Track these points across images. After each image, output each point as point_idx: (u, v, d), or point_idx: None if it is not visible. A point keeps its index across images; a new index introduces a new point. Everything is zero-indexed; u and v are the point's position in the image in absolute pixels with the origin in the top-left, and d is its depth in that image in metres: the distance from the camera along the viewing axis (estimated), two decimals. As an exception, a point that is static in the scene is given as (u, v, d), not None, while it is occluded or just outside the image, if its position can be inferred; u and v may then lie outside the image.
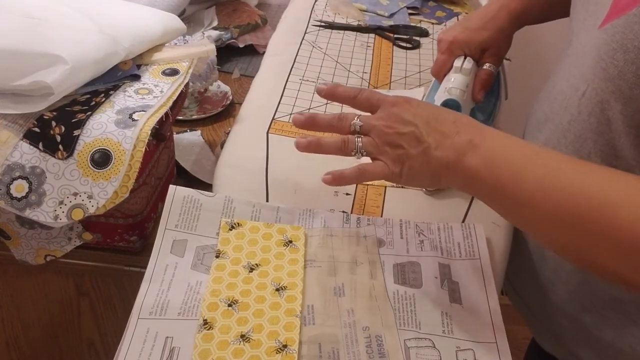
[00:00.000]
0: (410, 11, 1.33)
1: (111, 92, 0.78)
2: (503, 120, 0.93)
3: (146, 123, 0.72)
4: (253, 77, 1.06)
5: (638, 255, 0.47)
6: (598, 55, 0.58)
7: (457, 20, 1.32)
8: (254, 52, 1.32)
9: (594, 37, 0.60)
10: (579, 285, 0.72)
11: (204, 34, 1.27)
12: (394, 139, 0.62)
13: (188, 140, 1.02)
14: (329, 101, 0.97)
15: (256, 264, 0.66)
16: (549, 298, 0.77)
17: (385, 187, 0.80)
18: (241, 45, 1.31)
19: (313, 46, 1.13)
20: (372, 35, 1.19)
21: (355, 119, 0.65)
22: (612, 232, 0.48)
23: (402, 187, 0.80)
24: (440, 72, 0.87)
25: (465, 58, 0.85)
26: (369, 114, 0.67)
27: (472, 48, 0.84)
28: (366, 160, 0.66)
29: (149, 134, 0.72)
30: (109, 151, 0.71)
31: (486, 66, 0.85)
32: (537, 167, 0.54)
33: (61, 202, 0.71)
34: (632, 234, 0.47)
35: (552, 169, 0.53)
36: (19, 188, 0.71)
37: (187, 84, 0.83)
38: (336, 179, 0.66)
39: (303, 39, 1.16)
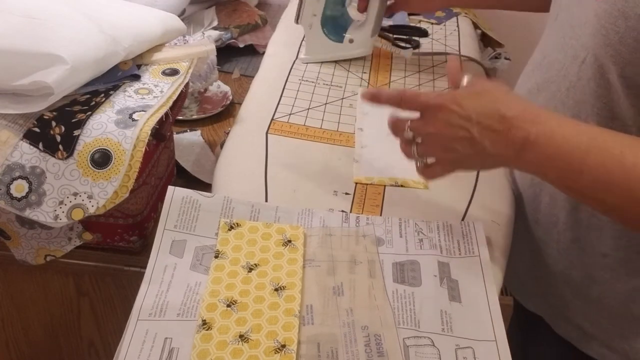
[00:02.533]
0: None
1: (111, 92, 0.78)
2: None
3: (146, 123, 0.73)
4: (253, 77, 1.06)
5: None
6: (599, 24, 0.63)
7: (457, 20, 1.32)
8: (254, 52, 1.32)
9: (592, 8, 0.64)
10: (570, 243, 0.75)
11: (204, 34, 1.27)
12: (447, 144, 0.63)
13: (188, 140, 1.02)
14: (328, 102, 0.97)
15: (255, 264, 0.66)
16: (539, 258, 0.80)
17: (385, 186, 0.80)
18: (241, 45, 1.31)
19: (313, 46, 1.13)
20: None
21: (407, 128, 0.66)
22: None
23: (401, 186, 0.80)
24: None
25: None
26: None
27: None
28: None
29: (149, 134, 0.72)
30: (109, 151, 0.71)
31: None
32: (597, 155, 0.58)
33: (61, 202, 0.71)
34: None
35: (610, 152, 0.58)
36: (19, 188, 0.71)
37: (187, 84, 0.83)
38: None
39: (303, 39, 1.16)
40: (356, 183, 0.80)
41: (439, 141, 0.64)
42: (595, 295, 0.76)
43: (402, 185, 0.80)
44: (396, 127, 0.68)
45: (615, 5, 0.60)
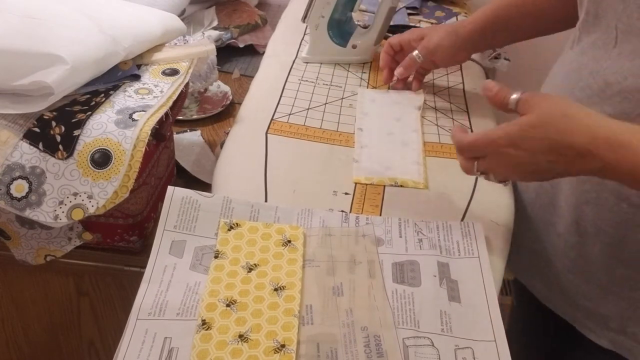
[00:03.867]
0: (409, 11, 1.33)
1: (111, 92, 0.78)
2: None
3: (146, 123, 0.73)
4: (253, 77, 1.06)
5: None
6: None
7: (457, 20, 1.32)
8: (254, 52, 1.32)
9: None
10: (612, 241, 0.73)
11: (204, 34, 1.27)
12: (514, 172, 0.64)
13: (188, 140, 1.02)
14: (328, 102, 0.97)
15: (255, 264, 0.66)
16: (548, 236, 0.80)
17: (384, 186, 0.80)
18: (241, 45, 1.31)
19: (313, 46, 1.13)
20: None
21: (475, 171, 0.66)
22: None
23: (401, 186, 0.80)
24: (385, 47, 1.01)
25: None
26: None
27: (414, 35, 0.97)
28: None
29: (149, 134, 0.72)
30: (109, 151, 0.71)
31: (414, 53, 0.96)
32: None
33: (61, 202, 0.71)
34: None
35: None
36: (19, 188, 0.71)
37: (187, 84, 0.83)
38: None
39: (302, 39, 1.16)
40: (356, 183, 0.80)
41: (509, 173, 0.65)
42: (593, 272, 0.75)
43: (401, 185, 0.80)
44: (466, 167, 0.67)
45: None
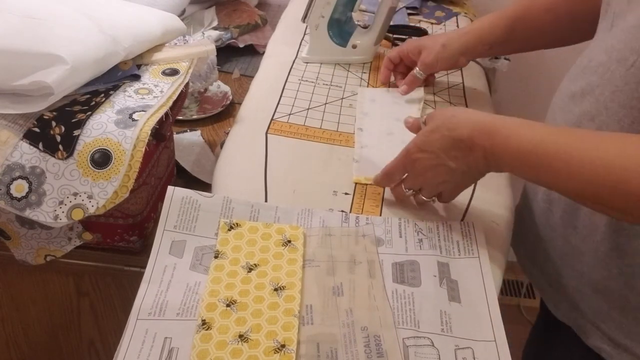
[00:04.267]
0: (409, 11, 1.33)
1: (111, 92, 0.78)
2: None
3: (146, 123, 0.73)
4: (253, 77, 1.06)
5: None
6: None
7: (457, 19, 1.32)
8: (254, 52, 1.32)
9: None
10: (609, 252, 0.73)
11: (204, 34, 1.27)
12: (435, 181, 0.73)
13: (188, 140, 1.02)
14: (328, 102, 0.97)
15: (255, 264, 0.66)
16: (574, 267, 0.79)
17: (385, 186, 0.80)
18: (241, 45, 1.31)
19: (313, 46, 1.13)
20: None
21: (405, 190, 0.76)
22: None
23: None
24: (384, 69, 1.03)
25: None
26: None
27: (412, 48, 1.00)
28: None
29: (149, 134, 0.72)
30: (109, 151, 0.71)
31: (415, 71, 0.99)
32: (558, 149, 0.62)
33: (61, 202, 0.71)
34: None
35: (563, 148, 0.62)
36: (19, 188, 0.71)
37: (187, 84, 0.83)
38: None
39: (302, 39, 1.16)
40: (356, 183, 0.80)
41: (428, 181, 0.73)
42: (634, 306, 0.73)
43: None
44: (395, 191, 0.78)
45: None
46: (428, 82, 1.04)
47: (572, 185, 0.62)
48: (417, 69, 0.99)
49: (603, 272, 0.74)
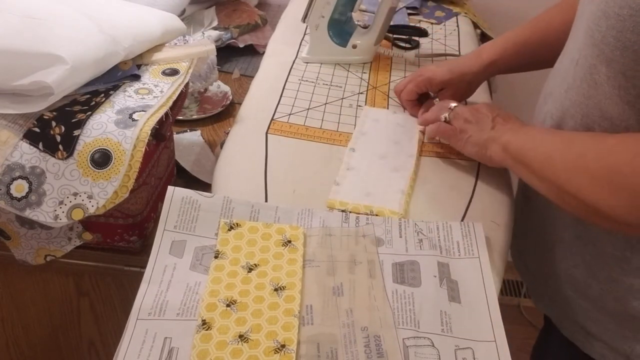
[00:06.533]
0: (409, 11, 1.33)
1: (111, 92, 0.78)
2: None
3: (146, 123, 0.73)
4: (253, 77, 1.06)
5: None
6: (587, 25, 0.66)
7: (457, 19, 1.32)
8: (254, 52, 1.32)
9: (586, 11, 0.68)
10: (574, 240, 0.77)
11: (204, 34, 1.27)
12: (469, 118, 0.82)
13: (188, 140, 1.02)
14: (328, 102, 0.97)
15: (255, 264, 0.66)
16: (548, 258, 0.81)
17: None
18: (241, 45, 1.31)
19: (313, 46, 1.13)
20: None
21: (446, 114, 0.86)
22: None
23: (376, 215, 0.75)
24: (403, 97, 0.98)
25: None
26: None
27: (433, 85, 0.95)
28: None
29: (149, 134, 0.72)
30: (109, 151, 0.71)
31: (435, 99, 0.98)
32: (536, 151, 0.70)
33: (61, 202, 0.71)
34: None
35: (550, 153, 0.68)
36: (19, 188, 0.71)
37: (187, 84, 0.83)
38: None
39: (303, 39, 1.16)
40: (329, 207, 0.76)
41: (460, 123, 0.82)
42: (596, 294, 0.76)
43: (376, 214, 0.75)
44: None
45: (599, 5, 0.63)
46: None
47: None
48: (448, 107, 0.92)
49: (569, 261, 0.78)
